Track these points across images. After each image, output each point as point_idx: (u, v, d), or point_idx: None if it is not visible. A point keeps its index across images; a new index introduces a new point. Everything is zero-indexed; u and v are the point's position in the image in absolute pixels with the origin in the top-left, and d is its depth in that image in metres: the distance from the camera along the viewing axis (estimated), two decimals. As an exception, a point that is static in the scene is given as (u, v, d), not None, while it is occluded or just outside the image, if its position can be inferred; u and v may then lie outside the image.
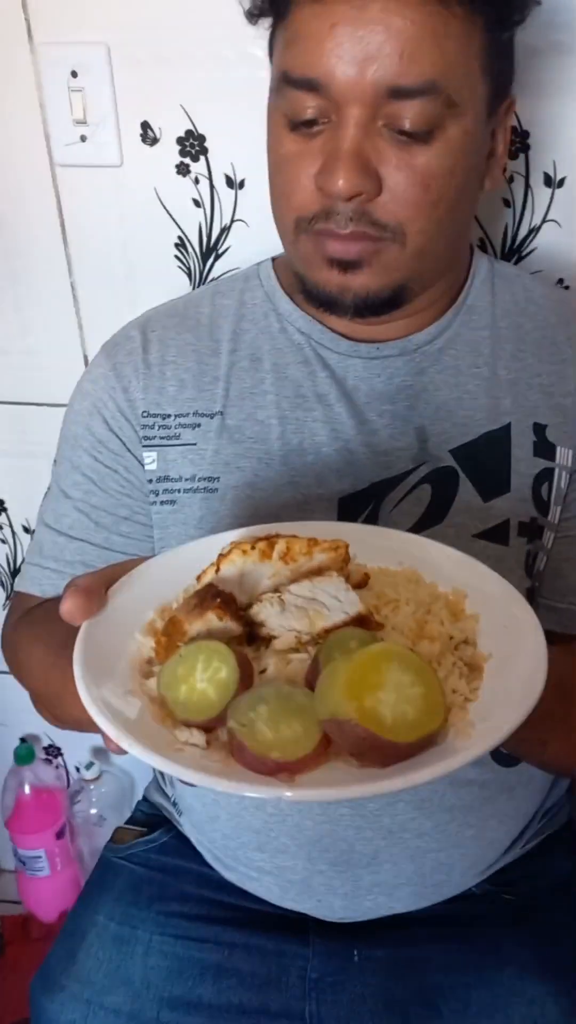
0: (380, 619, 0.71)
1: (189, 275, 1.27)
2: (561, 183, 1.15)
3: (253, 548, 0.70)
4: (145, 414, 1.02)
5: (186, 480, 1.01)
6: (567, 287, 1.21)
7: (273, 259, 1.09)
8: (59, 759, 1.76)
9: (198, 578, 0.71)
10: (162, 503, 1.02)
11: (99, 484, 1.05)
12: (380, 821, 1.01)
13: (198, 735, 0.62)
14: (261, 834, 1.05)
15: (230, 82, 1.15)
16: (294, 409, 1.00)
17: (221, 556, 0.70)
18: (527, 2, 0.87)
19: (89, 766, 1.65)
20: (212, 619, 0.66)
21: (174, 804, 1.21)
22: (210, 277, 1.27)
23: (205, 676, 0.63)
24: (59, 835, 1.68)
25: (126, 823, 1.27)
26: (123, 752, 0.62)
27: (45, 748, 1.75)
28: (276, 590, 0.70)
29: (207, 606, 0.66)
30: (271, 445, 1.00)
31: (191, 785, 0.61)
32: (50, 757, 1.76)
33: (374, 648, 0.61)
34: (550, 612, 1.01)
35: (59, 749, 1.74)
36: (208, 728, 0.62)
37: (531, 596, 1.00)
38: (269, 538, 0.71)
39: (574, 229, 1.18)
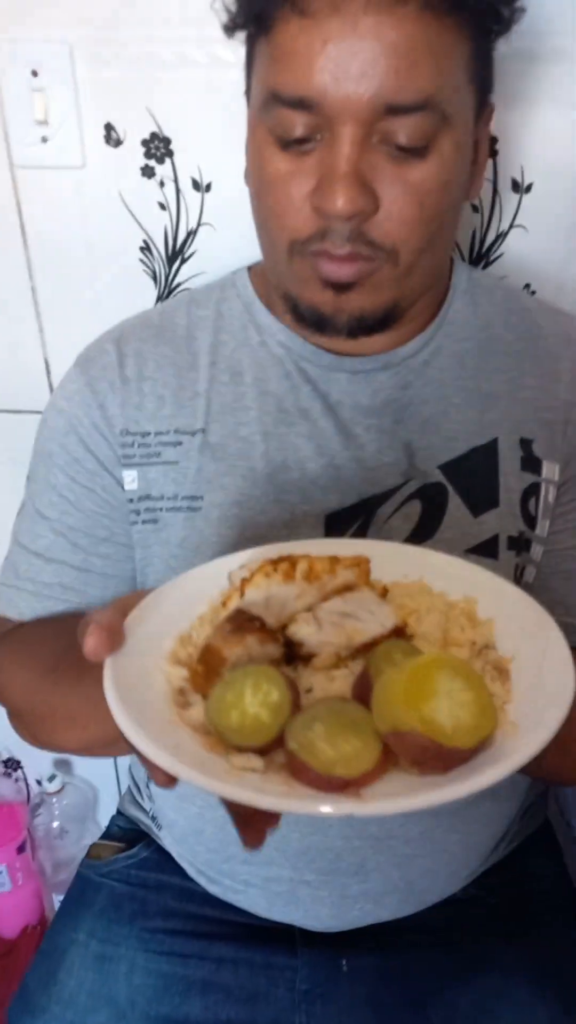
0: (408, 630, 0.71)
1: (155, 278, 1.25)
2: (528, 188, 1.16)
3: (276, 570, 0.69)
4: (124, 432, 1.00)
5: (168, 499, 0.99)
6: (534, 292, 1.22)
7: (249, 268, 1.07)
8: (19, 772, 1.73)
9: (223, 603, 0.70)
10: (144, 522, 1.00)
11: (75, 504, 1.02)
12: (368, 829, 1.01)
13: (255, 759, 0.61)
14: None
15: (197, 83, 1.13)
16: (277, 425, 0.99)
17: (244, 580, 0.70)
18: (514, 11, 0.86)
19: (51, 778, 1.61)
20: (253, 644, 0.66)
21: (153, 818, 1.19)
22: (176, 281, 1.25)
23: (256, 700, 0.62)
24: (20, 849, 1.64)
25: (102, 838, 1.25)
26: (171, 786, 0.61)
27: (4, 761, 1.71)
28: (309, 609, 0.69)
29: (246, 630, 0.66)
30: (255, 462, 0.98)
31: (267, 811, 0.60)
32: (9, 771, 1.72)
33: (424, 658, 0.62)
34: None
35: (18, 762, 1.71)
36: (263, 751, 0.62)
37: None
38: (287, 558, 0.71)
39: (541, 234, 1.19)
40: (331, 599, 0.70)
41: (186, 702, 0.67)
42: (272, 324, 1.01)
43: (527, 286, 1.23)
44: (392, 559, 0.80)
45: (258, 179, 0.88)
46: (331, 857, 1.01)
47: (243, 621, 0.67)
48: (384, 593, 0.75)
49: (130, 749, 1.03)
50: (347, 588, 0.71)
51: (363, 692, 0.64)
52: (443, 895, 1.09)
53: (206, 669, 0.67)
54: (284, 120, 0.82)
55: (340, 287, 0.87)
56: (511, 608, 0.74)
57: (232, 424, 0.99)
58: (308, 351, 0.99)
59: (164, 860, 1.17)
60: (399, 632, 0.70)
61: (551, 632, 0.70)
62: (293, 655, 0.70)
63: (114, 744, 0.98)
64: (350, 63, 0.77)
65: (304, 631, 0.68)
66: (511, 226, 1.19)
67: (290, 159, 0.84)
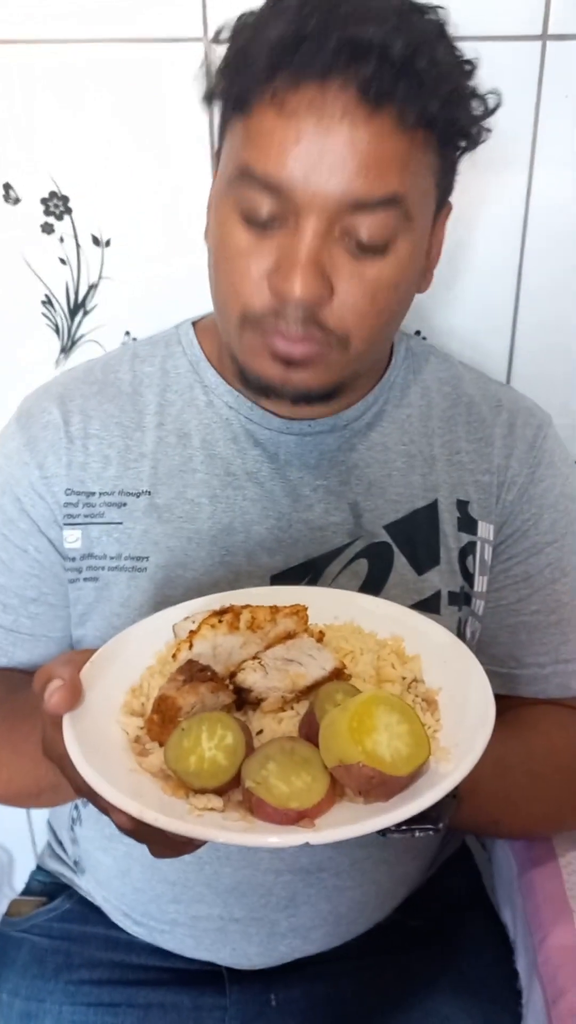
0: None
1: (57, 331, 1.27)
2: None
3: (221, 621, 0.73)
4: (68, 491, 1.00)
5: (111, 558, 1.00)
6: (424, 338, 1.29)
7: (194, 323, 1.09)
8: None
9: (173, 656, 0.74)
10: (85, 580, 1.00)
11: (7, 564, 1.02)
12: (299, 862, 1.03)
13: (215, 799, 0.64)
14: (177, 885, 1.05)
15: (95, 144, 1.16)
16: (224, 488, 1.01)
17: (192, 632, 0.73)
18: (480, 130, 0.90)
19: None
20: (205, 693, 0.69)
21: (75, 864, 1.18)
22: (79, 333, 1.27)
23: (212, 744, 0.66)
24: None
25: (22, 894, 1.24)
26: (135, 829, 0.63)
27: None
28: (255, 657, 0.73)
29: (198, 680, 0.69)
30: (201, 524, 1.00)
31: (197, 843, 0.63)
32: None
33: (363, 696, 0.67)
34: (494, 677, 1.06)
35: None
36: (220, 792, 0.65)
37: None
38: (230, 610, 0.74)
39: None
40: (274, 647, 0.74)
41: (144, 750, 0.70)
42: (219, 384, 1.02)
43: (418, 332, 1.29)
44: (323, 603, 0.85)
45: (218, 248, 0.90)
46: (262, 892, 1.03)
47: (194, 672, 0.70)
48: (321, 637, 0.80)
49: (65, 799, 1.04)
50: (288, 636, 0.76)
51: (309, 731, 0.68)
52: (369, 925, 1.11)
53: (162, 718, 0.70)
54: (252, 198, 0.84)
55: (290, 362, 0.89)
56: (433, 644, 0.81)
57: (179, 487, 1.00)
58: (256, 414, 1.01)
59: (87, 910, 1.17)
60: (338, 674, 0.75)
61: (470, 661, 0.77)
62: (243, 701, 0.74)
63: (41, 794, 0.99)
64: (322, 160, 0.80)
65: (252, 678, 0.72)
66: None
67: (252, 236, 0.86)
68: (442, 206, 0.94)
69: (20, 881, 1.59)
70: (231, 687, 0.73)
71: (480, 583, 1.06)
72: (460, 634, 1.03)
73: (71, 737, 0.67)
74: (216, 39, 0.89)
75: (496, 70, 1.10)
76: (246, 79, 0.83)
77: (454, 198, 0.95)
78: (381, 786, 0.63)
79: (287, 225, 0.84)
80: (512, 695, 1.08)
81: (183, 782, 0.65)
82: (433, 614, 1.01)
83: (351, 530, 1.02)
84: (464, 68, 0.86)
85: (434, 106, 0.81)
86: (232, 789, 0.65)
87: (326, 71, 0.79)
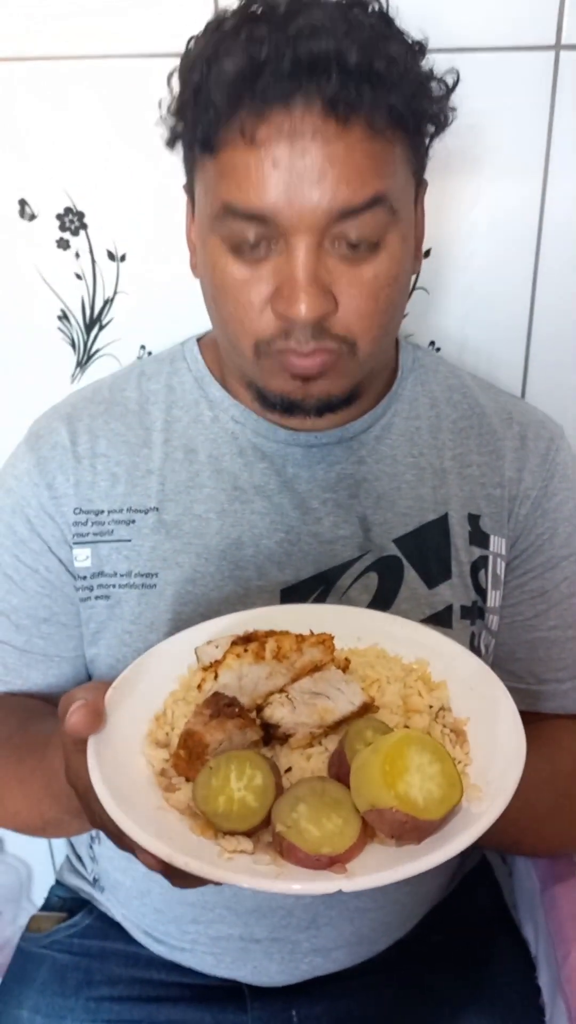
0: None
1: (73, 346, 1.26)
2: (427, 254, 1.22)
3: (246, 651, 0.72)
4: (77, 511, 1.00)
5: (122, 575, 1.00)
6: (438, 349, 1.28)
7: (198, 339, 1.08)
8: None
9: (198, 686, 0.73)
10: (97, 598, 1.01)
11: (19, 584, 1.02)
12: None
13: (245, 842, 0.64)
14: (197, 906, 1.04)
15: (110, 160, 1.16)
16: (232, 502, 1.01)
17: (217, 663, 0.72)
18: (448, 114, 0.91)
19: (-18, 857, 1.57)
20: (233, 729, 0.69)
21: (94, 882, 1.18)
22: (95, 348, 1.26)
23: (241, 784, 0.65)
24: (-49, 935, 1.59)
25: (41, 910, 1.23)
26: (160, 868, 0.63)
27: None
28: (281, 689, 0.72)
29: (225, 715, 0.68)
30: (209, 539, 1.00)
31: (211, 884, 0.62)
32: None
33: (394, 737, 0.66)
34: (512, 693, 1.06)
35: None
36: (250, 833, 0.64)
37: None
38: (255, 637, 0.74)
39: (441, 295, 1.25)
40: (301, 679, 0.73)
41: (170, 784, 0.69)
42: (224, 399, 1.03)
43: (432, 343, 1.28)
44: (345, 623, 0.85)
45: (215, 284, 0.90)
46: (282, 914, 1.03)
47: (221, 706, 0.70)
48: (347, 665, 0.79)
49: (68, 833, 1.04)
50: (315, 667, 0.75)
51: (339, 770, 0.68)
52: (391, 942, 1.10)
53: (188, 753, 0.69)
54: (239, 232, 0.84)
55: (308, 377, 0.90)
56: (460, 669, 0.80)
57: (187, 502, 1.00)
58: (263, 427, 1.01)
59: (107, 926, 1.16)
60: (366, 708, 0.74)
61: (497, 689, 0.76)
62: (270, 736, 0.73)
63: (46, 828, 0.99)
64: (302, 180, 0.80)
65: (279, 713, 0.71)
66: (413, 287, 1.25)
67: (245, 266, 0.86)
68: (419, 186, 0.94)
69: (39, 894, 1.59)
70: (258, 722, 0.72)
71: (493, 598, 1.06)
72: (473, 648, 1.03)
73: (97, 775, 0.66)
74: (168, 82, 0.88)
75: (510, 80, 1.11)
76: (209, 118, 0.82)
77: (467, 209, 0.95)
78: (414, 830, 0.63)
79: (278, 248, 0.85)
80: (532, 711, 1.08)
81: (211, 822, 0.65)
82: (445, 628, 1.01)
83: (360, 544, 1.02)
84: (416, 53, 0.86)
85: (400, 103, 0.82)
86: (262, 830, 0.65)
87: (288, 94, 0.79)
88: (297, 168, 0.80)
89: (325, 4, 0.82)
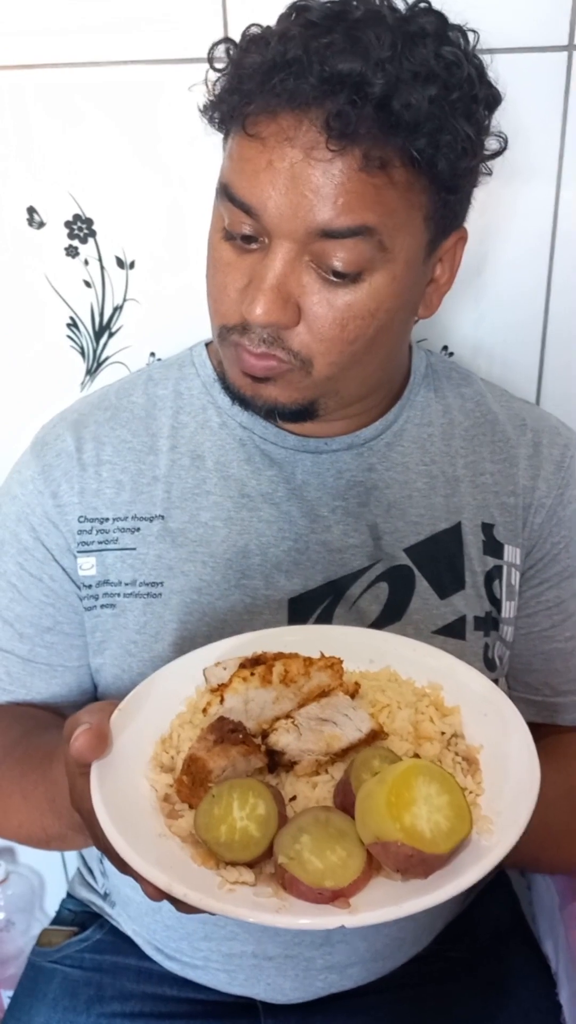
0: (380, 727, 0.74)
1: (82, 353, 1.25)
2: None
3: (253, 674, 0.71)
4: (82, 519, 0.99)
5: (126, 584, 0.99)
6: (451, 353, 1.26)
7: (207, 344, 1.07)
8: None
9: (204, 710, 0.72)
10: (102, 607, 0.99)
11: (23, 592, 1.01)
12: None
13: (247, 873, 0.62)
14: (208, 923, 1.03)
15: (118, 167, 1.15)
16: (239, 509, 0.99)
17: (223, 686, 0.71)
18: (478, 173, 0.88)
19: (-6, 868, 1.56)
20: (236, 756, 0.67)
21: (105, 896, 1.17)
22: (104, 355, 1.26)
23: (244, 814, 0.64)
24: (-37, 943, 1.59)
25: (52, 923, 1.22)
26: (162, 899, 0.62)
27: None
28: (288, 715, 0.71)
29: (229, 741, 0.67)
30: (216, 548, 0.98)
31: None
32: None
33: (401, 767, 0.64)
34: (528, 705, 1.05)
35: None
36: (252, 864, 0.63)
37: None
38: (263, 660, 0.73)
39: (454, 299, 1.23)
40: (308, 705, 0.72)
41: (173, 811, 0.68)
42: (232, 405, 1.00)
43: (444, 348, 1.27)
44: (359, 644, 0.83)
45: (208, 257, 0.91)
46: (295, 931, 1.01)
47: (226, 732, 0.68)
48: (357, 689, 0.77)
49: (73, 847, 1.03)
50: (322, 692, 0.73)
51: (345, 800, 0.66)
52: (406, 959, 1.08)
53: (192, 780, 0.68)
54: (232, 216, 0.85)
55: (255, 378, 0.89)
56: (474, 694, 0.78)
57: (193, 510, 0.99)
58: (271, 433, 1.00)
59: (119, 940, 1.15)
60: (374, 736, 0.72)
61: (511, 715, 0.73)
62: (275, 763, 0.71)
63: (50, 841, 0.98)
64: (292, 186, 0.80)
65: (285, 739, 0.70)
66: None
67: (233, 251, 0.87)
68: (444, 237, 0.90)
69: (51, 905, 1.59)
70: (263, 748, 0.71)
71: (508, 608, 1.04)
72: (487, 660, 1.01)
73: (99, 802, 0.65)
74: (210, 56, 0.88)
75: (522, 81, 1.09)
76: (232, 101, 0.84)
77: (480, 212, 0.93)
78: (420, 864, 0.61)
79: (263, 246, 0.85)
80: (548, 723, 1.06)
81: (213, 852, 0.64)
82: (458, 639, 0.99)
83: (371, 553, 1.00)
84: (460, 108, 0.81)
85: (416, 147, 0.79)
86: (264, 860, 0.63)
87: (302, 102, 0.78)
88: (287, 175, 0.80)
89: (393, 27, 0.80)
